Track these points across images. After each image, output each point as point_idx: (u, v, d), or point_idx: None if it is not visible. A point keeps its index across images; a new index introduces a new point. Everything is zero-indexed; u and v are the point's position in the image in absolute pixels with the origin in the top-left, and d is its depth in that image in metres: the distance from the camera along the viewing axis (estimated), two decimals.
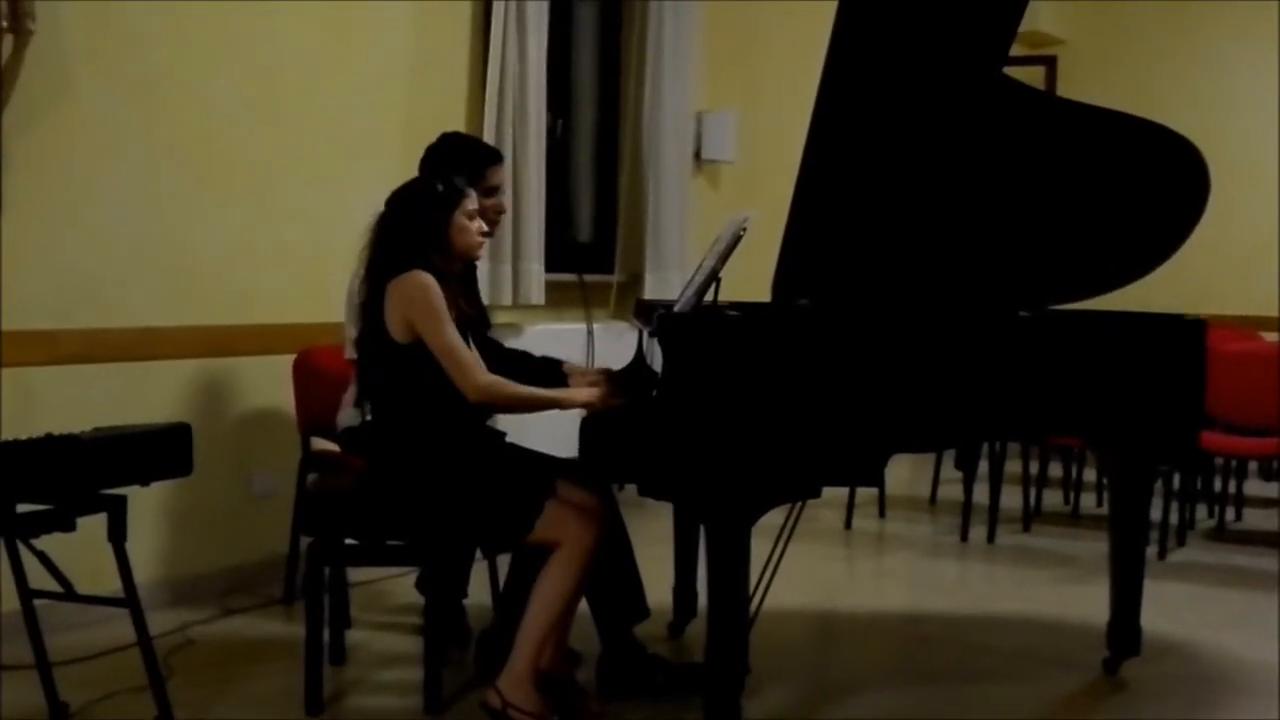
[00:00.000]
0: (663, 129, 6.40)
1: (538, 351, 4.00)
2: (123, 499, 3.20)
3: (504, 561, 4.00)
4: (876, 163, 3.74)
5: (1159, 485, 5.10)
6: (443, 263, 3.41)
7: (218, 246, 4.61)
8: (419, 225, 3.39)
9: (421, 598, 4.00)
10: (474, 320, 3.67)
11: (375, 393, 3.48)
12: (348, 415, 3.94)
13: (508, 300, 5.63)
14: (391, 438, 3.42)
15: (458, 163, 3.90)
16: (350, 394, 3.93)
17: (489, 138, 5.39)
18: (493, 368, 3.43)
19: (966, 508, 6.03)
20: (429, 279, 3.32)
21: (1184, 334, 3.82)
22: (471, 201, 3.50)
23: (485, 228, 3.56)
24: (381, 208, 3.49)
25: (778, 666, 3.99)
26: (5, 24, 3.87)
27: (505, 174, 4.51)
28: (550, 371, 3.81)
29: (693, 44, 6.54)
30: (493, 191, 4.02)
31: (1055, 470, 6.91)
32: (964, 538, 5.99)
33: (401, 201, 3.45)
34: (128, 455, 3.18)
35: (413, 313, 3.29)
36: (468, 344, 3.42)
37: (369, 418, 3.54)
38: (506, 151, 5.42)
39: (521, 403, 3.49)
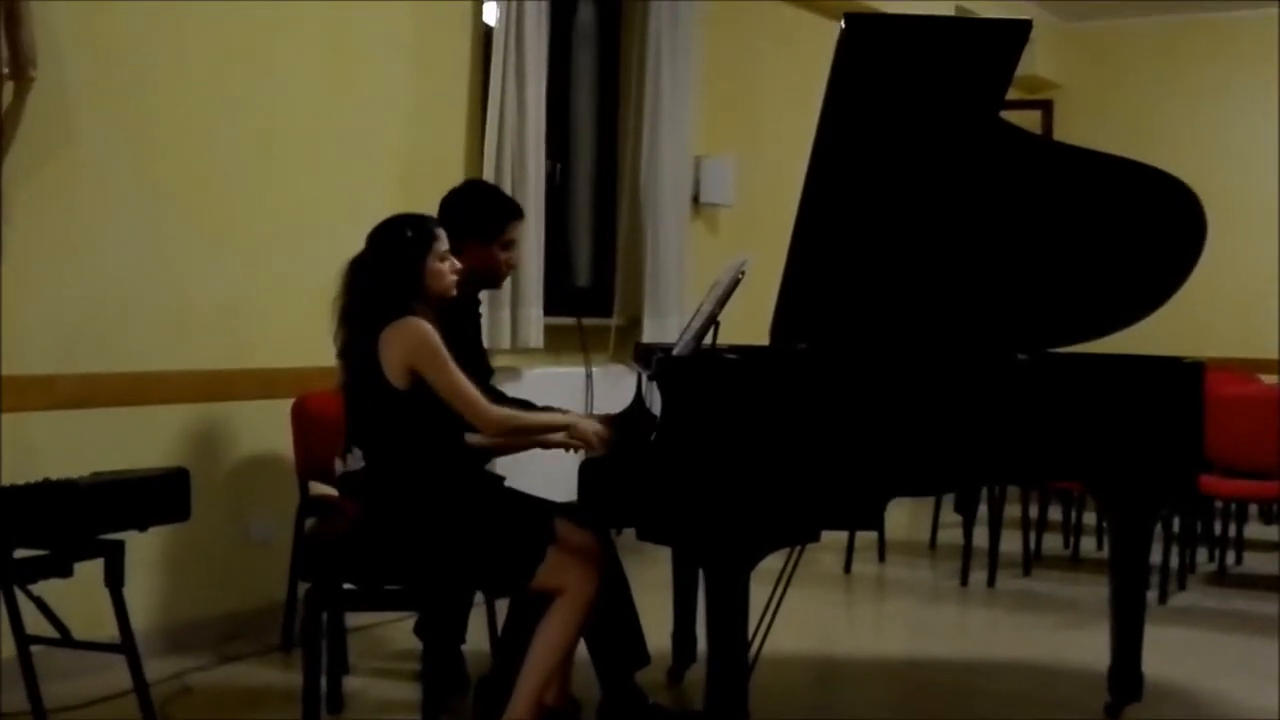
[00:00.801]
0: (661, 173, 6.42)
1: (537, 396, 4.00)
2: (120, 544, 3.19)
3: (501, 606, 3.99)
4: (874, 207, 3.75)
5: (1159, 529, 5.09)
6: (420, 307, 3.40)
7: (216, 291, 4.62)
8: (394, 271, 3.37)
9: (420, 643, 3.99)
10: (475, 366, 3.66)
11: (370, 439, 3.45)
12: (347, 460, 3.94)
13: (506, 344, 5.63)
14: (390, 483, 3.41)
15: (479, 213, 3.92)
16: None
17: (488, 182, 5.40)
18: None
19: (966, 552, 6.01)
20: (426, 324, 3.31)
21: (1182, 377, 3.82)
22: (442, 243, 3.45)
23: (459, 266, 3.52)
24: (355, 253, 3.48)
25: (778, 712, 3.96)
26: (6, 70, 3.89)
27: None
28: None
29: (691, 89, 6.57)
30: (510, 245, 4.04)
31: (1055, 514, 6.88)
32: (964, 582, 5.97)
33: (375, 248, 3.44)
34: (125, 500, 3.18)
35: (416, 359, 3.28)
36: None
37: (359, 465, 3.51)
38: (509, 196, 5.43)
39: (535, 429, 3.52)
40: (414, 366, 3.28)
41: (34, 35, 3.91)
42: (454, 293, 3.52)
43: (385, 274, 3.37)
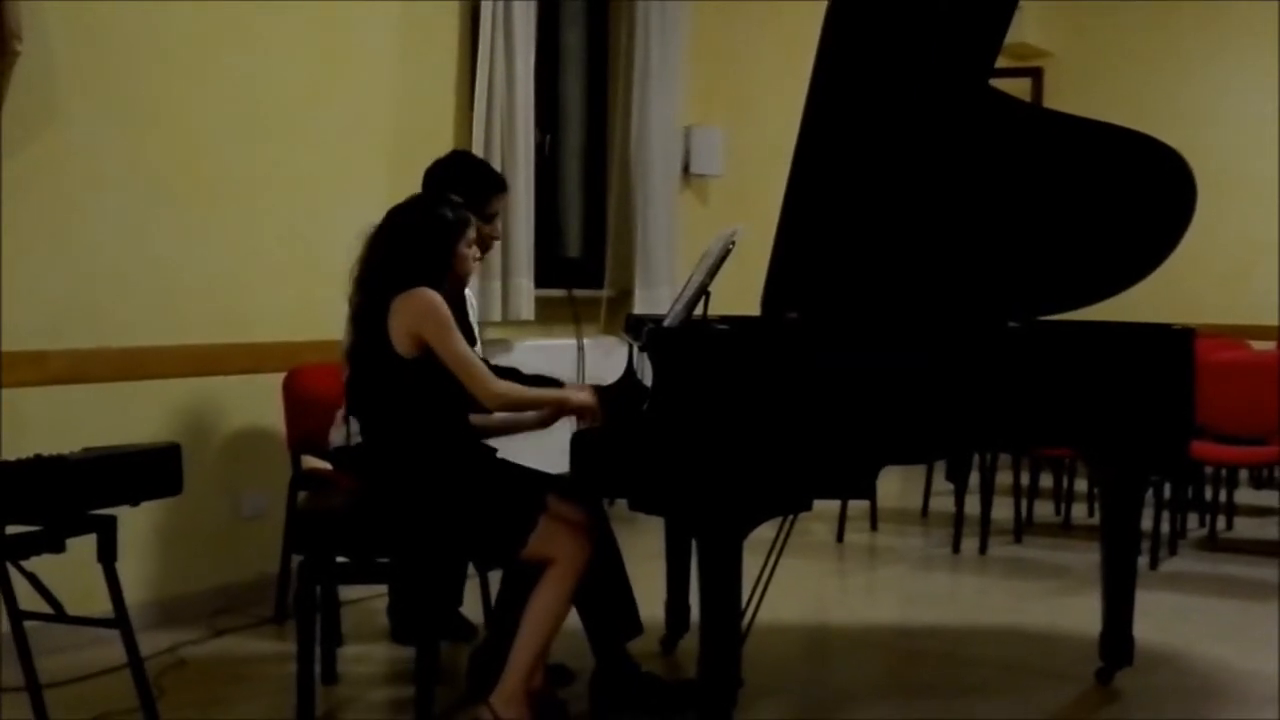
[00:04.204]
0: (651, 144, 6.40)
1: (528, 368, 3.99)
2: (112, 519, 3.19)
3: (494, 578, 3.99)
4: (864, 175, 3.75)
5: (1150, 495, 5.10)
6: (440, 284, 3.42)
7: (206, 266, 4.61)
8: (425, 251, 3.42)
9: (403, 619, 3.99)
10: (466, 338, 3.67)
11: (367, 408, 3.47)
12: (339, 433, 3.94)
13: (497, 316, 5.63)
14: (384, 455, 3.41)
15: (464, 185, 3.91)
16: (343, 412, 3.92)
17: (477, 154, 5.38)
18: None
19: (958, 519, 6.03)
20: (436, 295, 3.35)
21: (1172, 343, 3.82)
22: (473, 230, 3.54)
23: (479, 254, 3.60)
24: (378, 220, 3.49)
25: (771, 681, 3.98)
26: None
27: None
28: (544, 387, 3.81)
29: (680, 59, 6.55)
30: (492, 218, 4.04)
31: (1046, 481, 6.91)
32: (956, 549, 5.99)
33: (408, 224, 3.46)
34: (117, 475, 3.17)
35: (424, 327, 3.31)
36: None
37: (358, 437, 3.53)
38: (495, 168, 5.41)
39: (532, 403, 3.56)
40: (421, 335, 3.31)
41: (18, 8, 3.89)
42: (470, 277, 3.55)
43: (414, 250, 3.40)
